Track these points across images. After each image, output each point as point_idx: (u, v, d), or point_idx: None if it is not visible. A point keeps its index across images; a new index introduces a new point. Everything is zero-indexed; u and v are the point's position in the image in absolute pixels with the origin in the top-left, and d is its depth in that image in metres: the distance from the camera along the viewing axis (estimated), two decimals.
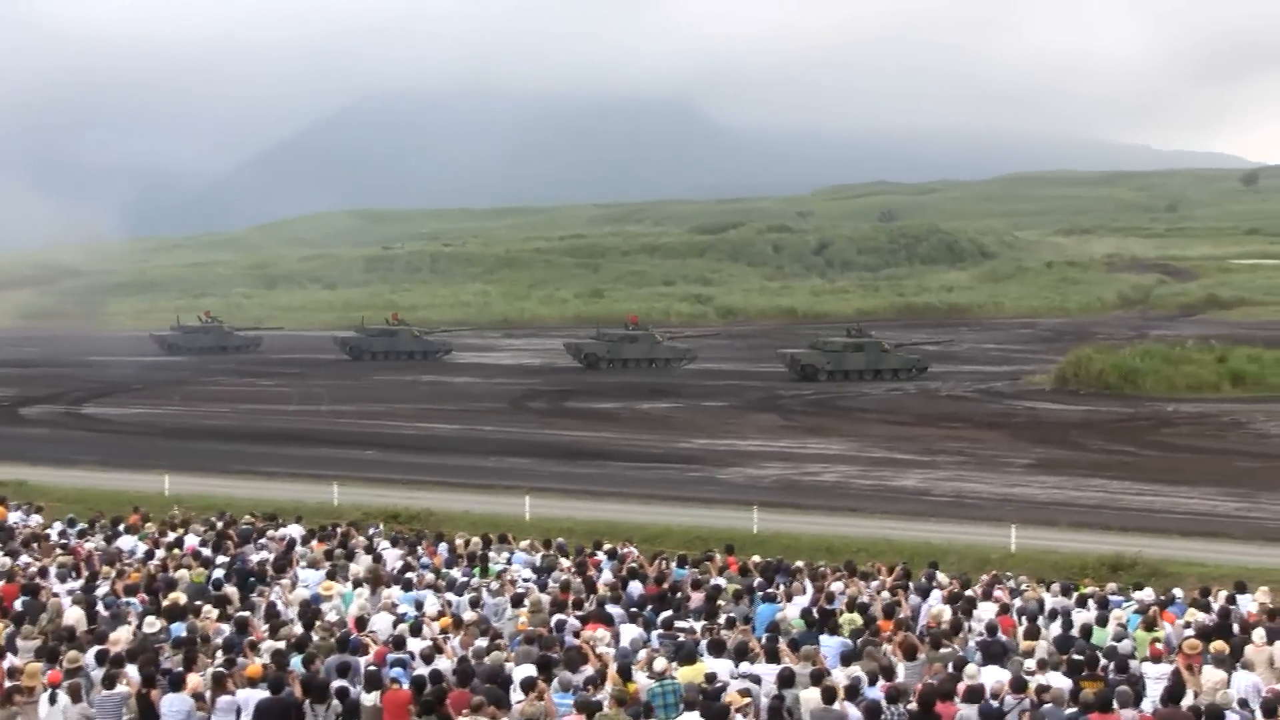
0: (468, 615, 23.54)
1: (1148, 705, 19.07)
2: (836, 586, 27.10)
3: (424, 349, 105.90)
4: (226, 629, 22.33)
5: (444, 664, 19.98)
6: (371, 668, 19.66)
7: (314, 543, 31.69)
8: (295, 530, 33.26)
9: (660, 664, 19.07)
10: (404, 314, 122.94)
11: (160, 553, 30.00)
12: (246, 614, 23.41)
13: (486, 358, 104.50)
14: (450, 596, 25.57)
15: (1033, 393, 78.11)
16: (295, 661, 19.90)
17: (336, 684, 18.98)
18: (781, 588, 26.70)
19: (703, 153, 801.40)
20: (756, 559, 30.50)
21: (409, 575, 27.05)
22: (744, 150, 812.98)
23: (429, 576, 27.18)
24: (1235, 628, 23.94)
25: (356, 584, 26.13)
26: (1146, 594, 27.44)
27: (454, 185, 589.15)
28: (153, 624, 22.31)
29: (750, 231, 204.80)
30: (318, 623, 22.73)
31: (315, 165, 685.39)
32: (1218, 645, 21.52)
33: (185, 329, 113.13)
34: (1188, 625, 24.07)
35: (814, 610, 24.05)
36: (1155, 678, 20.21)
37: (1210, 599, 26.42)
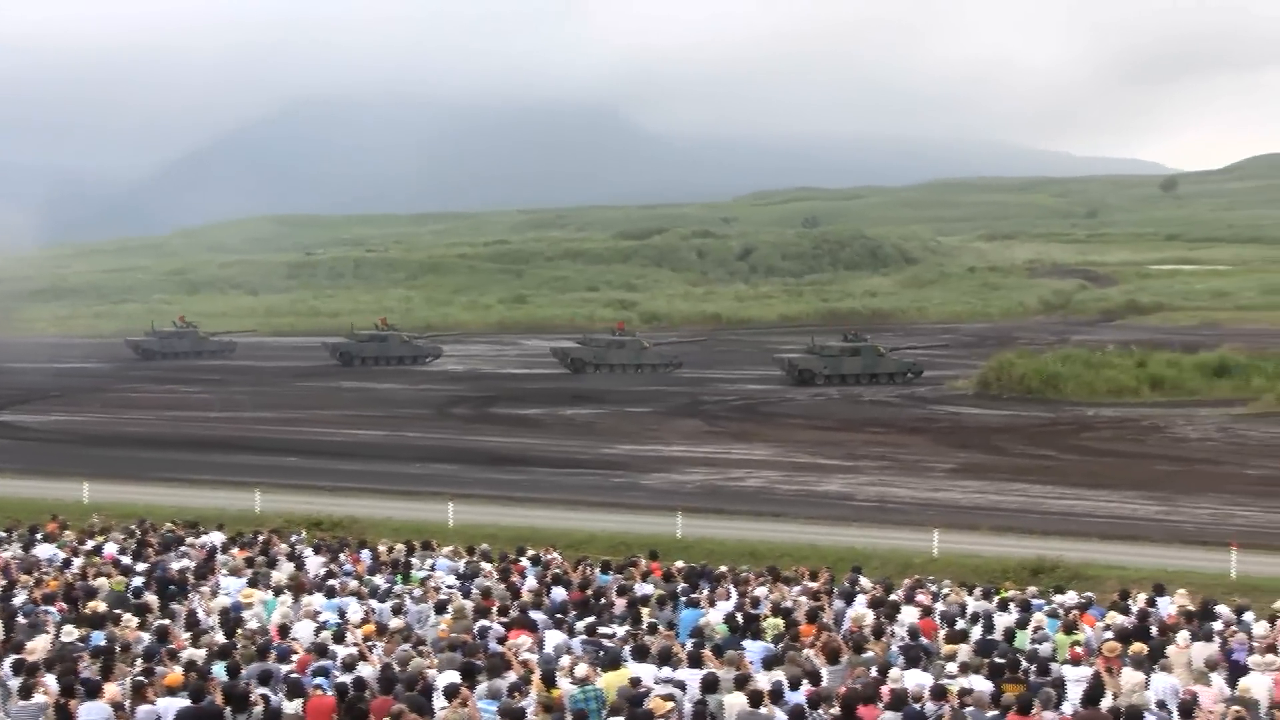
0: (391, 622, 23.47)
1: (1068, 707, 19.20)
2: (760, 591, 27.17)
3: (414, 354, 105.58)
4: (146, 637, 22.14)
5: (367, 671, 19.89)
6: (293, 676, 19.55)
7: (235, 550, 31.47)
8: (216, 538, 33.06)
9: (583, 670, 19.06)
10: (326, 320, 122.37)
11: (79, 561, 29.74)
12: (167, 622, 23.25)
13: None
14: (373, 604, 25.46)
15: (955, 397, 78.55)
16: (217, 669, 19.77)
17: (258, 692, 18.85)
18: (705, 593, 26.73)
19: (627, 159, 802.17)
20: (680, 564, 30.50)
21: (332, 582, 26.94)
22: (668, 156, 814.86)
23: (352, 584, 27.08)
24: (1154, 630, 24.16)
25: (278, 591, 25.96)
26: (1068, 597, 27.67)
27: (377, 191, 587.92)
28: (71, 633, 22.10)
29: (674, 237, 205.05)
30: (239, 630, 22.59)
31: (236, 171, 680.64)
32: (1137, 647, 21.72)
33: (160, 334, 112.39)
34: (1107, 628, 24.27)
35: (738, 615, 24.08)
36: (1075, 680, 20.36)
37: (1129, 602, 26.64)
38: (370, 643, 21.93)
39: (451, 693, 18.22)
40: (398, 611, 24.82)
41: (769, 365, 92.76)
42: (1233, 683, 20.50)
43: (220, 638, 22.20)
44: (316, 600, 25.11)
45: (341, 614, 24.25)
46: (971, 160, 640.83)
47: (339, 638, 21.70)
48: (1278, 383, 74.12)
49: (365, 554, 31.39)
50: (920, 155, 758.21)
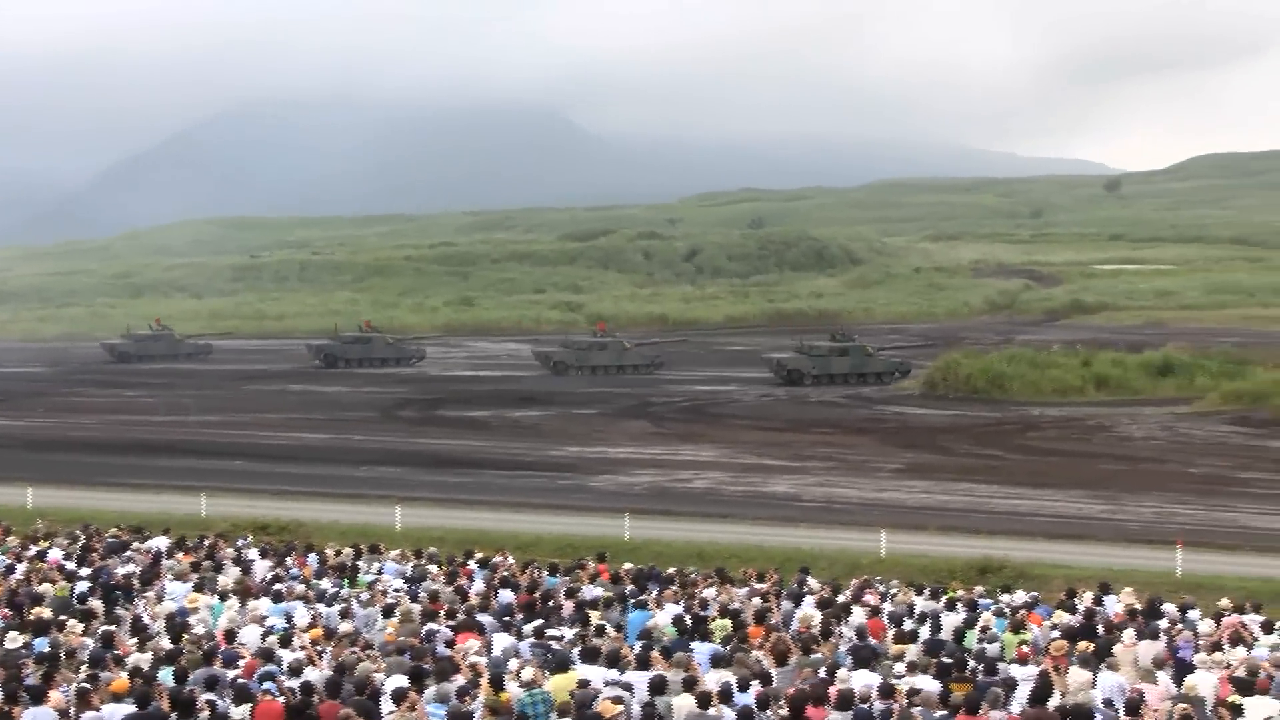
0: (338, 626, 23.38)
1: (1016, 706, 19.25)
2: (708, 593, 27.17)
3: (397, 355, 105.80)
4: (91, 643, 21.97)
5: (314, 676, 19.78)
6: (240, 681, 19.43)
7: (181, 555, 31.30)
8: (162, 542, 32.87)
9: (530, 673, 18.99)
10: (271, 323, 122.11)
11: (23, 566, 29.51)
12: (112, 628, 23.05)
13: (357, 367, 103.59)
14: (320, 608, 25.36)
15: (901, 398, 78.78)
16: (163, 675, 19.63)
17: (204, 698, 18.73)
18: (653, 595, 26.72)
19: (573, 160, 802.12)
20: (628, 566, 30.49)
21: (278, 587, 26.81)
22: (614, 158, 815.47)
23: (299, 588, 26.96)
24: (1100, 628, 24.26)
25: (224, 596, 25.82)
26: (1015, 597, 27.79)
27: (322, 193, 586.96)
28: (15, 639, 21.90)
29: (620, 239, 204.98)
30: (185, 636, 22.45)
31: (181, 173, 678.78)
32: (1083, 646, 21.82)
33: (136, 337, 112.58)
34: (1054, 627, 24.36)
35: (686, 617, 24.06)
36: (1023, 679, 20.41)
37: (1076, 601, 26.75)
38: (318, 647, 21.83)
39: (399, 696, 18.15)
40: (345, 615, 24.75)
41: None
42: (1179, 680, 20.62)
43: (166, 643, 22.04)
44: (263, 605, 24.99)
45: (288, 618, 24.16)
46: (917, 161, 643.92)
47: (286, 642, 21.58)
48: (1221, 381, 74.65)
49: (312, 558, 31.27)
50: (865, 156, 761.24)
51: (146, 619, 24.38)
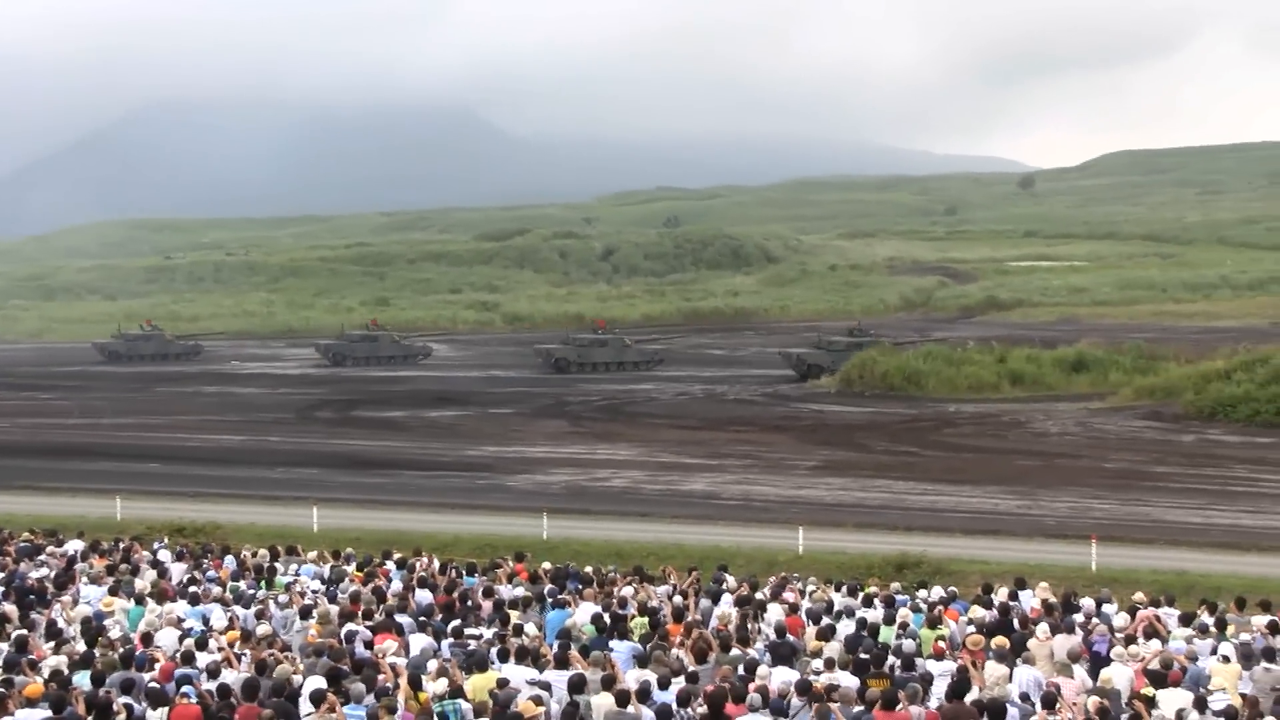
0: (256, 629, 23.23)
1: (933, 701, 19.37)
2: (627, 591, 27.18)
3: (404, 353, 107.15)
4: (5, 648, 21.74)
5: (231, 678, 19.66)
6: (156, 684, 19.28)
7: (96, 558, 31.02)
8: (76, 546, 32.59)
9: (442, 685, 18.89)
10: (186, 325, 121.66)
11: None
12: (26, 632, 22.82)
13: (272, 368, 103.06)
14: (238, 610, 25.20)
15: (818, 395, 79.02)
16: (79, 679, 19.45)
17: (121, 701, 18.57)
18: (571, 594, 26.70)
19: (487, 160, 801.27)
20: (546, 565, 30.45)
21: (195, 589, 26.61)
22: (529, 157, 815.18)
23: (215, 590, 26.77)
24: (1016, 623, 24.42)
25: (140, 599, 25.62)
26: (932, 592, 27.94)
27: (235, 194, 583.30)
28: None
29: (536, 238, 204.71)
30: (101, 639, 22.25)
31: (92, 174, 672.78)
32: (1000, 641, 21.96)
33: (127, 337, 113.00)
34: (970, 622, 24.50)
35: (604, 615, 24.06)
36: (940, 674, 20.54)
37: (992, 596, 26.92)
38: (235, 649, 21.70)
39: (318, 698, 18.07)
40: (262, 617, 24.60)
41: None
42: (1094, 674, 20.78)
43: (81, 647, 21.84)
44: (179, 607, 24.81)
45: (205, 621, 24.01)
46: (831, 159, 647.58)
47: (203, 645, 21.42)
48: (1134, 377, 75.35)
49: (229, 560, 31.06)
50: (780, 154, 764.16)
51: (61, 623, 24.15)
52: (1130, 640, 22.68)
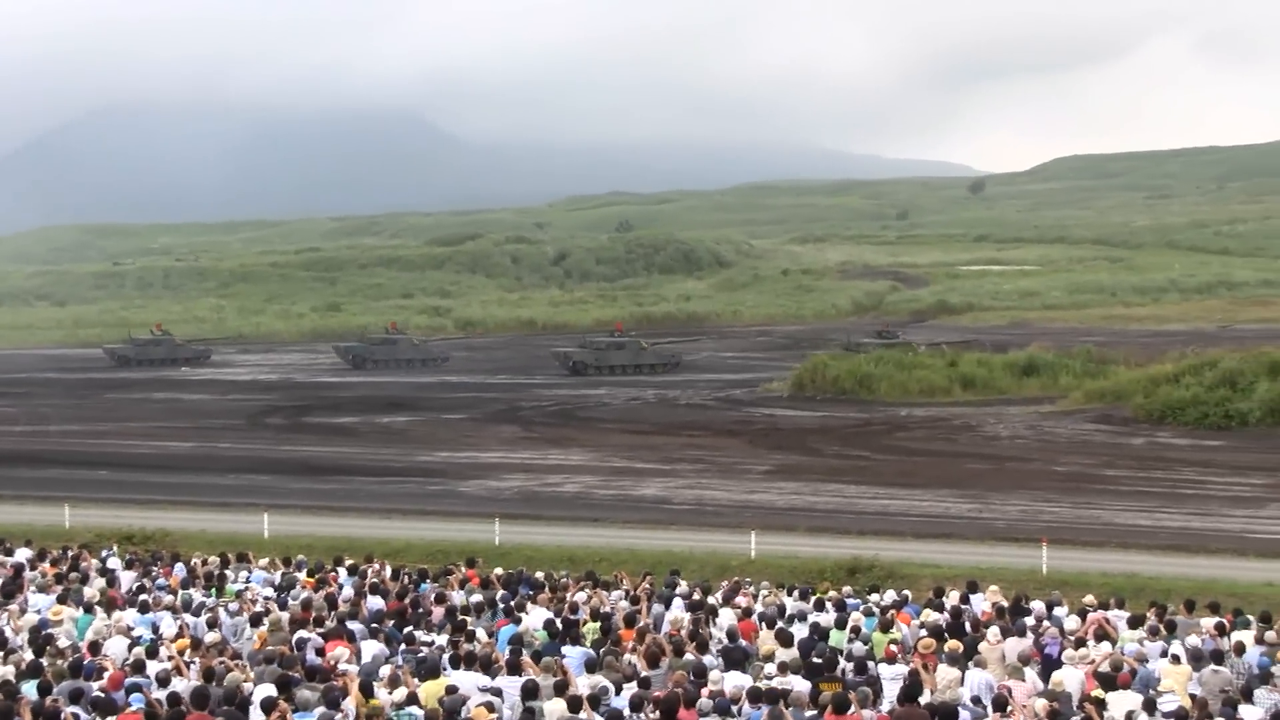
0: (206, 636, 23.11)
1: (885, 705, 19.40)
2: (579, 597, 27.14)
3: (423, 356, 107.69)
4: None
5: (182, 686, 19.54)
6: (104, 693, 19.13)
7: (44, 566, 30.80)
8: (24, 554, 32.35)
9: (396, 694, 18.81)
10: (136, 330, 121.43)
11: None
12: None
13: (222, 373, 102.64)
14: (188, 618, 25.04)
15: (770, 399, 79.07)
16: (26, 688, 19.29)
17: (69, 710, 18.42)
18: (524, 599, 26.67)
19: (439, 165, 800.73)
20: (499, 571, 30.40)
21: (144, 597, 26.45)
22: (480, 162, 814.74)
23: (165, 598, 26.61)
24: (968, 626, 24.49)
25: (89, 608, 25.45)
26: (885, 596, 27.99)
27: (185, 198, 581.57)
28: None
29: (488, 243, 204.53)
30: (49, 648, 22.08)
31: (39, 179, 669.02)
32: (952, 644, 22.02)
33: (137, 342, 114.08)
34: (922, 625, 24.54)
35: (557, 621, 24.02)
36: (891, 678, 20.58)
37: (944, 599, 26.98)
38: (185, 657, 21.56)
39: (269, 706, 17.96)
40: (213, 625, 24.47)
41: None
42: (1045, 676, 20.85)
43: (29, 656, 21.68)
44: (129, 616, 24.63)
45: (155, 629, 23.84)
46: (783, 163, 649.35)
47: (152, 653, 21.29)
48: (1084, 380, 75.74)
49: (179, 567, 30.88)
50: (732, 159, 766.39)
51: (9, 632, 23.95)
52: (1081, 643, 22.77)
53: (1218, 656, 21.07)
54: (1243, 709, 18.65)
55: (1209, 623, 24.25)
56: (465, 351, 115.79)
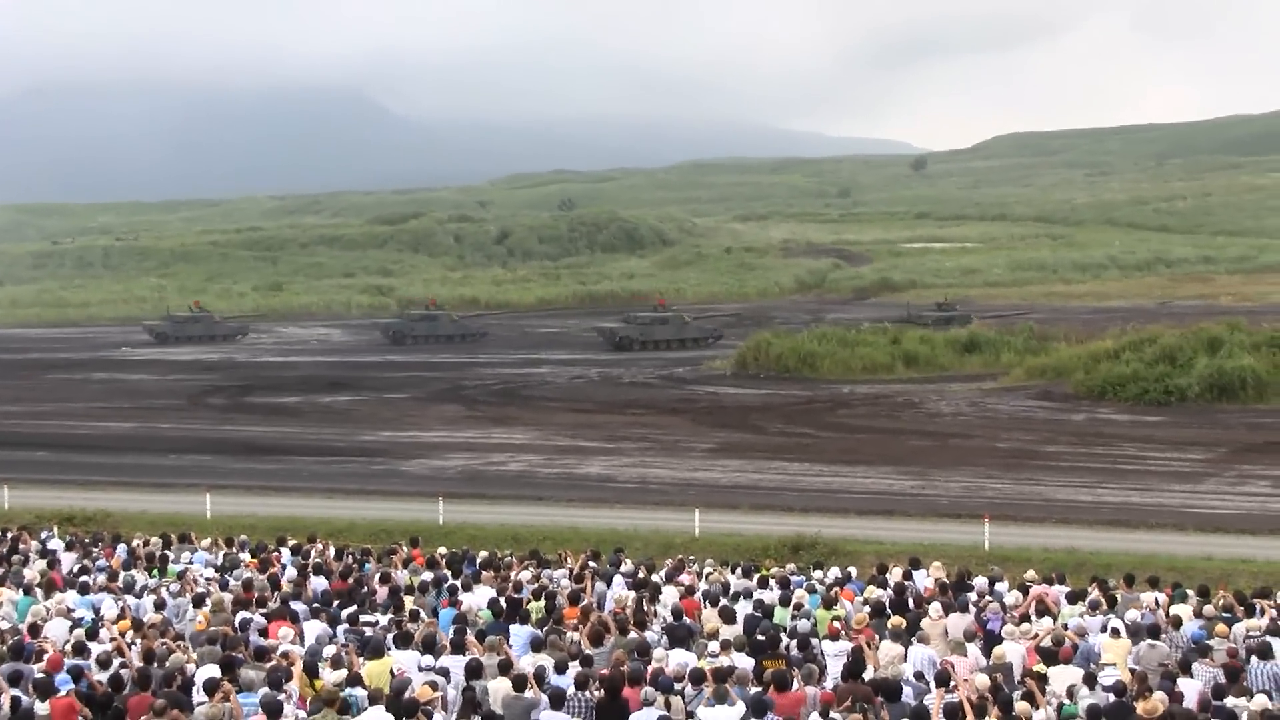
0: (148, 617, 22.99)
1: (829, 681, 19.46)
2: (524, 576, 27.14)
3: (462, 332, 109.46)
4: None
5: (123, 668, 19.44)
6: (42, 675, 19.01)
7: None
8: None
9: (339, 674, 18.77)
10: (75, 311, 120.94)
11: None
12: None
13: (164, 353, 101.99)
14: (129, 599, 24.91)
15: (713, 378, 79.19)
16: None
17: (9, 692, 18.30)
18: (468, 578, 26.64)
19: (380, 143, 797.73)
20: (443, 550, 30.37)
21: (85, 579, 26.30)
22: (422, 141, 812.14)
23: (106, 579, 26.46)
24: (911, 603, 24.60)
25: (29, 590, 25.30)
26: (828, 573, 28.08)
27: (124, 177, 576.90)
28: None
29: (430, 222, 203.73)
30: None
31: None
32: (895, 620, 22.10)
33: (175, 319, 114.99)
34: (865, 602, 24.62)
35: (501, 600, 24.00)
36: (835, 654, 20.65)
37: (887, 576, 27.09)
38: (127, 638, 21.45)
39: (211, 687, 17.90)
40: (156, 606, 24.33)
41: None
42: (987, 651, 20.94)
43: None
44: (70, 597, 24.50)
45: (96, 611, 23.71)
46: (725, 141, 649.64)
47: (93, 635, 21.18)
48: (1025, 357, 76.13)
49: (120, 548, 30.70)
50: (673, 137, 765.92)
51: None
52: (1022, 618, 22.90)
53: (1154, 631, 21.22)
54: (1181, 682, 18.81)
55: (1149, 597, 24.45)
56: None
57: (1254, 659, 19.94)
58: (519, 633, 21.77)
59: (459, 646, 20.47)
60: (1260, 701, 17.58)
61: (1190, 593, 25.58)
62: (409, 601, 24.46)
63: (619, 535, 37.27)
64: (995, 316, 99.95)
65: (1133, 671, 19.47)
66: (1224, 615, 22.88)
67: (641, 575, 27.33)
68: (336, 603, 24.87)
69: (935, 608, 22.89)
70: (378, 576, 26.82)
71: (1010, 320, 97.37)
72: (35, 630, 21.94)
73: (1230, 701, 17.84)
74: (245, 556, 29.63)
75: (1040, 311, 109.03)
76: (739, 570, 28.30)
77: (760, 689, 18.34)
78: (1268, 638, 21.16)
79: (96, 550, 30.60)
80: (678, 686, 18.53)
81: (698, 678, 18.68)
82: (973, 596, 24.75)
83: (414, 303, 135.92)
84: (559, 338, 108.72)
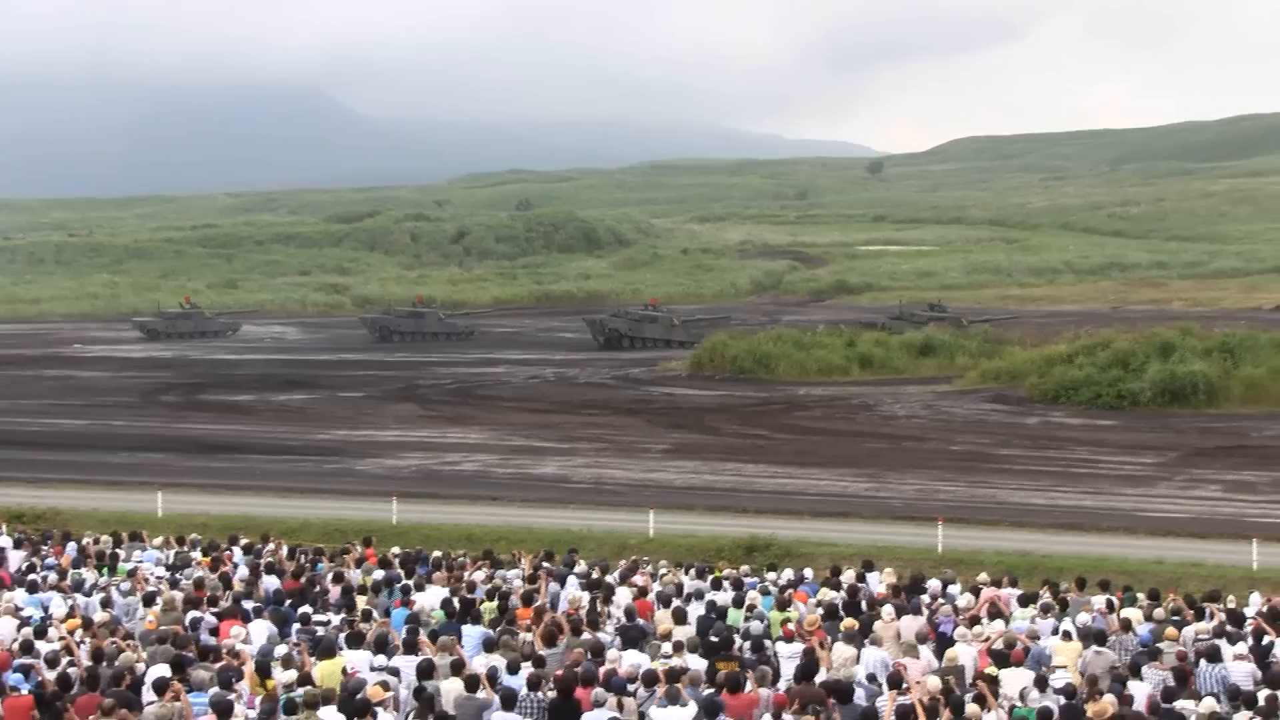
0: (97, 616, 22.86)
1: (783, 683, 19.47)
2: (477, 576, 27.09)
3: (449, 330, 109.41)
4: None
5: (72, 667, 19.32)
6: None
7: None
8: None
9: (291, 674, 18.69)
10: (26, 307, 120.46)
11: None
12: None
13: (116, 350, 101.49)
14: (79, 598, 24.77)
15: (669, 378, 79.20)
16: None
17: None
18: (421, 578, 26.58)
19: (337, 141, 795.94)
20: (396, 550, 30.30)
21: (34, 577, 26.15)
22: (379, 139, 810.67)
23: (55, 578, 26.30)
24: (864, 605, 24.64)
25: None
26: (782, 575, 28.11)
27: (78, 173, 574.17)
28: None
29: (387, 220, 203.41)
30: None
31: None
32: (848, 623, 22.13)
33: (166, 315, 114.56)
34: (819, 604, 24.65)
35: (454, 600, 23.95)
36: (788, 656, 20.68)
37: (841, 578, 27.12)
38: (76, 637, 21.31)
39: (161, 686, 17.80)
40: (105, 605, 24.20)
41: None
42: (940, 654, 21.00)
43: None
44: (18, 596, 24.34)
45: (45, 609, 23.55)
46: (682, 143, 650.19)
47: (42, 633, 21.04)
48: (980, 361, 76.37)
49: (70, 547, 30.54)
50: (631, 138, 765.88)
51: None
52: (975, 621, 22.95)
53: (1100, 638, 21.27)
54: (1131, 684, 18.89)
55: (1100, 600, 24.54)
56: (363, 330, 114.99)
57: (1203, 662, 20.01)
58: (471, 633, 21.72)
59: (411, 646, 20.42)
60: (1209, 704, 17.65)
61: (1141, 596, 25.71)
62: (361, 601, 24.38)
63: (573, 536, 37.25)
64: (986, 321, 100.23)
65: (1082, 674, 19.56)
66: (1174, 618, 22.97)
67: (595, 576, 27.31)
68: (289, 602, 24.78)
69: (888, 610, 22.93)
70: (330, 576, 26.73)
71: (999, 323, 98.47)
72: None
73: (1179, 704, 17.91)
74: (197, 555, 29.52)
75: (995, 314, 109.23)
76: (693, 571, 28.30)
77: (713, 690, 18.34)
78: (1217, 641, 21.27)
79: (46, 548, 30.43)
80: (630, 688, 18.52)
81: (650, 679, 18.66)
82: (926, 599, 24.82)
83: (370, 301, 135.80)
84: (515, 338, 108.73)
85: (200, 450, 55.36)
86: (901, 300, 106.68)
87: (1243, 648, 20.97)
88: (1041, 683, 18.61)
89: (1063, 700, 18.00)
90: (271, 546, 30.73)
